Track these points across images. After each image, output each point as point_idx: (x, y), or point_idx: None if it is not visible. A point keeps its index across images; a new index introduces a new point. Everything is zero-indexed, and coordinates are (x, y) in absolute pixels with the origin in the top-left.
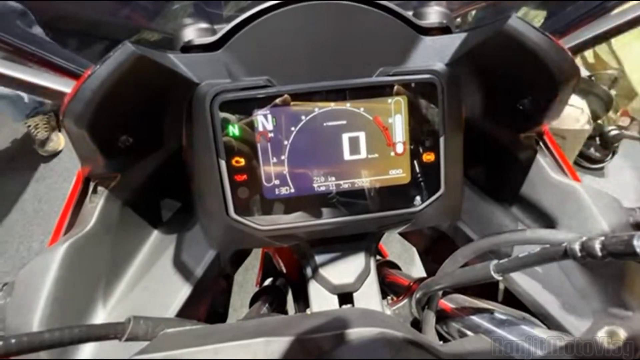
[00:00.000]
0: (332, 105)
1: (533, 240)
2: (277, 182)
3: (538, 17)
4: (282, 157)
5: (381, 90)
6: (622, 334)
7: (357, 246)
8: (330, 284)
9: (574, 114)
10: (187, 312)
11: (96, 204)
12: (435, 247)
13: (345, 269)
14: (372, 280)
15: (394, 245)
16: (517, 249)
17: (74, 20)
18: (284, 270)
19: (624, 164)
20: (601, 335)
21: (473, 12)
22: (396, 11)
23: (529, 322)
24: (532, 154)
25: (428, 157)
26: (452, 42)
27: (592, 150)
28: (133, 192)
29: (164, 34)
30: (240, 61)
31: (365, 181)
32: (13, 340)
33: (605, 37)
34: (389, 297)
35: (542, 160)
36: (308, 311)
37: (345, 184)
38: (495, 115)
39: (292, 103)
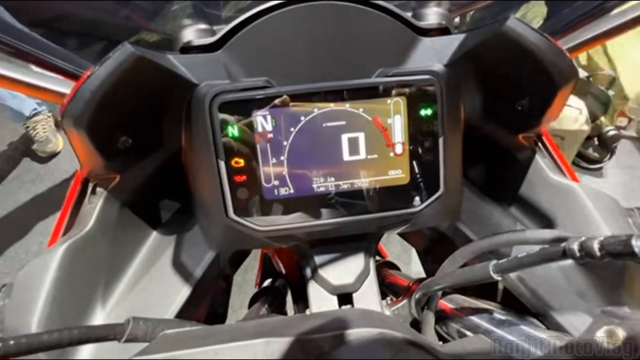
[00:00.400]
0: (332, 106)
1: (532, 240)
2: (276, 182)
3: (537, 18)
4: (282, 158)
5: (380, 91)
6: (621, 333)
7: (356, 247)
8: (329, 285)
9: (573, 115)
10: (186, 313)
11: (95, 205)
12: (435, 247)
13: (345, 270)
14: (371, 281)
15: (394, 246)
16: (516, 249)
17: (72, 20)
18: (284, 271)
19: (622, 164)
20: (600, 335)
21: (471, 13)
22: (395, 12)
23: (529, 322)
24: (530, 154)
25: (427, 157)
26: (450, 43)
27: (590, 150)
28: (132, 193)
29: (163, 35)
30: (240, 62)
31: (364, 182)
32: (12, 342)
33: (603, 38)
34: (388, 298)
35: (541, 161)
36: (307, 312)
37: (344, 185)
38: (494, 116)
39: (291, 104)
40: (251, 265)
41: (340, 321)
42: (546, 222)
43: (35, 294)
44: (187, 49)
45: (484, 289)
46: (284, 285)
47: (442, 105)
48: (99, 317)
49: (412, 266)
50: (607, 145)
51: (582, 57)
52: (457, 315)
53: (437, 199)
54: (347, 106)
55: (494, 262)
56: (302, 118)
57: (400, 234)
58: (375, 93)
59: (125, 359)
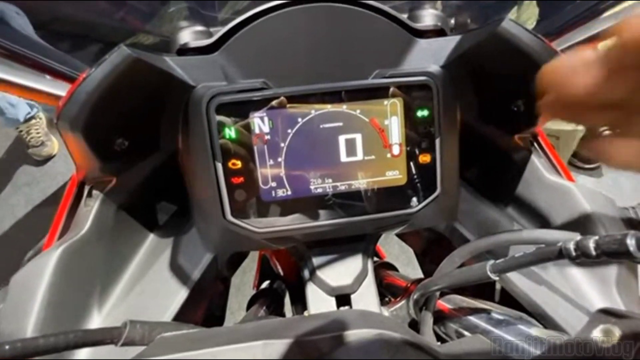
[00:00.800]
0: (329, 108)
1: (529, 240)
2: (274, 184)
3: (531, 19)
4: (279, 160)
5: (377, 92)
6: (617, 332)
7: (354, 248)
8: (327, 286)
9: None
10: (184, 315)
11: (91, 208)
12: (433, 248)
13: (343, 271)
14: (369, 282)
15: (392, 247)
16: (513, 249)
17: (68, 22)
18: (281, 273)
19: None
20: (596, 334)
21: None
22: (391, 14)
23: (526, 321)
24: (526, 154)
25: (424, 158)
26: (446, 45)
27: (586, 150)
28: (129, 196)
29: (160, 37)
30: (237, 64)
31: (362, 183)
32: (7, 347)
33: (597, 39)
34: (386, 299)
35: (537, 161)
36: (306, 313)
37: (342, 186)
38: (490, 117)
39: (288, 105)
40: (249, 267)
41: (339, 322)
42: (543, 221)
43: (31, 298)
44: (184, 50)
45: (482, 289)
46: (282, 286)
47: (439, 106)
48: (96, 321)
49: (411, 267)
50: None
51: None
52: (455, 315)
53: (434, 200)
54: (344, 107)
55: (491, 262)
56: (300, 119)
57: (398, 235)
58: (372, 94)
59: None
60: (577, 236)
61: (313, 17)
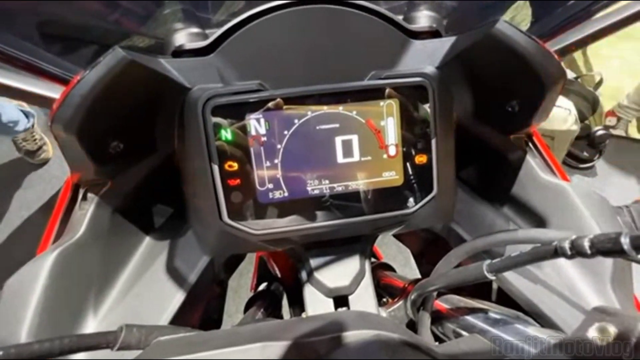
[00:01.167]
0: (325, 109)
1: (524, 239)
2: (270, 186)
3: (525, 21)
4: (276, 161)
5: (373, 94)
6: (613, 330)
7: (351, 249)
8: (325, 287)
9: (562, 115)
10: (180, 319)
11: (86, 211)
12: (430, 248)
13: (341, 272)
14: (367, 283)
15: (389, 247)
16: (509, 249)
17: (60, 24)
18: (279, 275)
19: (611, 163)
20: (592, 332)
21: None
22: (387, 15)
23: (523, 320)
24: (521, 154)
25: (420, 159)
26: (442, 46)
27: (580, 150)
28: (124, 199)
29: (155, 39)
30: (233, 65)
31: (358, 184)
32: (0, 352)
33: (590, 40)
34: (384, 299)
35: (532, 161)
36: (304, 315)
37: (339, 187)
38: (485, 117)
39: (284, 107)
40: (246, 269)
41: (337, 324)
42: (538, 221)
43: (25, 303)
44: (179, 52)
45: (479, 289)
46: (280, 288)
47: (435, 107)
48: (91, 325)
49: (408, 267)
50: (596, 145)
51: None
52: (452, 315)
53: (430, 200)
54: (340, 109)
55: (488, 261)
56: (296, 121)
57: (395, 236)
58: (368, 95)
59: None
60: (572, 235)
61: (309, 19)
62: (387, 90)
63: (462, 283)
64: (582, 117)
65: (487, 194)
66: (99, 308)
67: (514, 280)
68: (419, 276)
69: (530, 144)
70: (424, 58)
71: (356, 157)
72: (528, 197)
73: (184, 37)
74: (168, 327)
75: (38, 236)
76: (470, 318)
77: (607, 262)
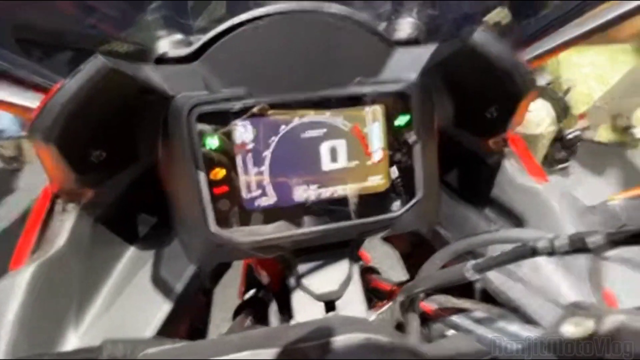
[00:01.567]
0: (311, 115)
1: (505, 239)
2: (257, 192)
3: (505, 19)
4: (262, 168)
5: (358, 100)
6: (588, 324)
7: (339, 253)
8: (314, 293)
9: (535, 119)
10: (167, 330)
11: (65, 222)
12: (416, 251)
13: (329, 277)
14: (355, 287)
15: (377, 250)
16: (491, 249)
17: (36, 29)
18: (267, 281)
19: (583, 165)
20: (568, 326)
21: None
22: (369, 25)
23: (507, 318)
24: (500, 158)
25: (405, 163)
26: (423, 54)
27: (555, 151)
28: (106, 208)
29: (135, 45)
30: (218, 73)
31: (345, 189)
32: None
33: (566, 45)
34: (372, 303)
35: (510, 165)
36: (292, 321)
37: (325, 193)
38: (466, 123)
39: (271, 113)
40: (233, 276)
41: (326, 329)
42: (517, 222)
43: (1, 320)
44: (163, 60)
45: (466, 288)
46: (268, 295)
47: (418, 113)
48: (72, 342)
49: (396, 270)
50: (568, 147)
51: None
52: (439, 315)
53: (415, 204)
54: (326, 115)
55: (471, 262)
56: (282, 128)
57: (383, 238)
58: (354, 102)
59: None
60: (549, 235)
61: (294, 27)
62: (371, 97)
63: (446, 284)
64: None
65: (469, 197)
66: (81, 322)
67: (495, 279)
68: (407, 278)
69: (509, 148)
70: (406, 65)
71: (342, 162)
72: (507, 199)
73: (166, 44)
74: (155, 339)
75: (10, 249)
76: (456, 318)
77: (582, 260)
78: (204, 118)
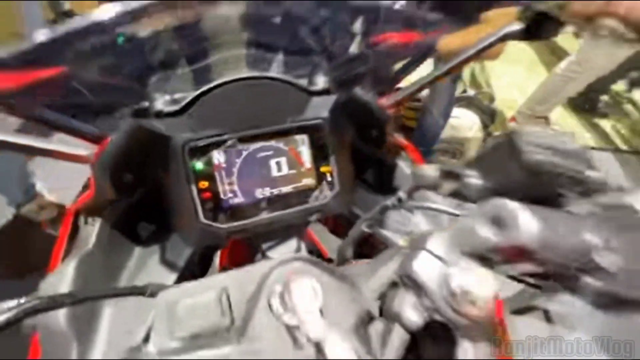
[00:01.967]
0: (262, 143)
1: (386, 206)
2: (230, 195)
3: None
4: (233, 179)
5: (291, 131)
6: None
7: (290, 233)
8: None
9: (467, 124)
10: None
11: (92, 230)
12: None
13: (285, 251)
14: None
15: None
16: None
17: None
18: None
19: None
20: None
21: None
22: (297, 84)
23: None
24: (395, 160)
25: (326, 169)
26: (330, 99)
27: None
28: (119, 219)
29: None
30: (199, 120)
31: (288, 188)
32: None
33: (419, 90)
34: None
35: (404, 164)
36: None
37: (275, 192)
38: (363, 139)
39: (236, 144)
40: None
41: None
42: None
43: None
44: (161, 114)
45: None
46: None
47: (330, 136)
48: (107, 311)
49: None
50: None
51: (467, 77)
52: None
53: (336, 195)
54: (272, 142)
55: (363, 219)
56: (244, 152)
57: (319, 220)
58: (289, 132)
59: None
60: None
61: (246, 89)
62: (300, 129)
63: (358, 237)
64: (485, 126)
65: (378, 188)
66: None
67: (385, 232)
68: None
69: (404, 153)
70: (321, 107)
71: (284, 171)
72: (398, 185)
73: (160, 103)
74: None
75: None
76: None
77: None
78: (192, 150)
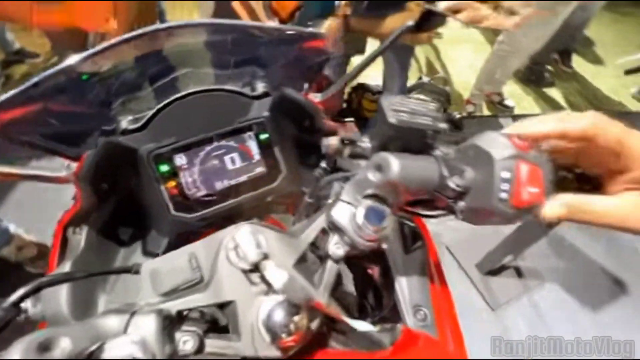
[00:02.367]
0: (216, 143)
1: (331, 179)
2: (194, 189)
3: None
4: (195, 176)
5: (240, 131)
6: None
7: (252, 216)
8: None
9: None
10: None
11: (81, 237)
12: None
13: None
14: None
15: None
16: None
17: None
18: None
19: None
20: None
21: None
22: (241, 92)
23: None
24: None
25: (271, 157)
26: (269, 100)
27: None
28: (102, 226)
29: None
30: (160, 132)
31: (243, 178)
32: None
33: (345, 84)
34: None
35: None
36: None
37: (232, 182)
38: (300, 129)
39: (194, 147)
40: None
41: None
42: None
43: (59, 289)
44: (126, 132)
45: None
46: None
47: (271, 131)
48: (102, 301)
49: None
50: (456, 125)
51: (423, 63)
52: None
53: (283, 178)
54: (223, 142)
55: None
56: (201, 153)
57: (276, 202)
58: (238, 132)
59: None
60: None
61: (197, 100)
62: (246, 128)
63: (305, 210)
64: (443, 109)
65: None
66: (105, 289)
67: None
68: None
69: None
70: (262, 108)
71: (238, 164)
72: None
73: (125, 123)
74: None
75: None
76: None
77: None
78: (157, 157)
